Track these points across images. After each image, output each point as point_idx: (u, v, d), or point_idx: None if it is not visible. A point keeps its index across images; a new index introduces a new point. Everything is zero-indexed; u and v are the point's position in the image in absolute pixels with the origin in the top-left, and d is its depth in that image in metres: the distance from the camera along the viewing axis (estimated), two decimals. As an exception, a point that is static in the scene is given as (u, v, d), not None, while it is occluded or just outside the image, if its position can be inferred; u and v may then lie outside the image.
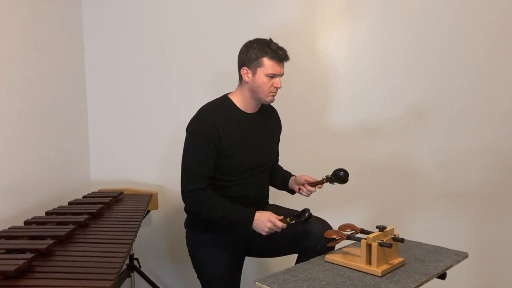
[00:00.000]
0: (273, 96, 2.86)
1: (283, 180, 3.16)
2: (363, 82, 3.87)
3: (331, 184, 2.93)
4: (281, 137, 3.23)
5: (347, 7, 3.86)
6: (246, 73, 2.84)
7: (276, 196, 3.22)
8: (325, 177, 2.93)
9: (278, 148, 3.26)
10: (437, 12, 3.78)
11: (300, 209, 2.74)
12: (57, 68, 3.49)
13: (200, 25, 3.84)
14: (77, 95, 3.81)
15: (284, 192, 3.20)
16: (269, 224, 2.70)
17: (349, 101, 3.89)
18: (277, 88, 2.83)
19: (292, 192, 3.14)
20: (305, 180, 3.01)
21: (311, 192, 3.01)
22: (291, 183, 3.10)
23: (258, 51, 2.79)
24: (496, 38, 3.78)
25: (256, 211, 2.76)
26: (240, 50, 2.88)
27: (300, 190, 3.03)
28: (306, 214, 2.71)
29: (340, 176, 2.93)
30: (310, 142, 3.91)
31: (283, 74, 2.86)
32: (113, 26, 3.89)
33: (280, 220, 2.71)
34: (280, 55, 2.78)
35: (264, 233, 2.71)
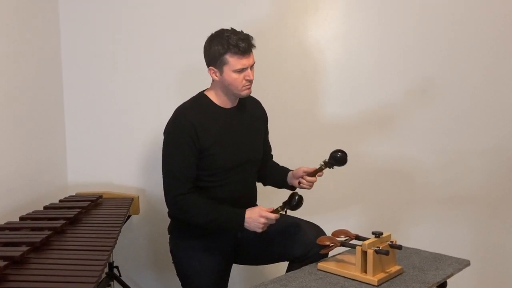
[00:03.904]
0: (248, 89, 2.86)
1: (281, 177, 3.14)
2: (358, 79, 3.88)
3: (331, 168, 2.88)
4: (270, 136, 3.24)
5: (341, -2, 3.89)
6: (214, 72, 2.85)
7: (268, 197, 3.23)
8: (322, 163, 2.87)
9: (268, 141, 3.28)
10: (439, 6, 3.79)
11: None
12: (32, 67, 3.48)
13: (182, 21, 3.86)
14: (53, 93, 3.80)
15: (274, 191, 3.22)
16: (262, 220, 2.71)
17: (344, 99, 3.91)
18: (249, 81, 2.83)
19: (293, 188, 3.08)
20: (304, 172, 2.97)
21: (313, 183, 2.96)
22: (290, 178, 3.08)
23: (220, 47, 2.77)
24: (501, 35, 3.80)
25: (246, 210, 2.77)
26: (204, 47, 2.88)
27: (300, 184, 2.98)
28: (296, 197, 2.74)
29: (338, 158, 2.87)
30: (302, 142, 3.92)
31: (253, 64, 2.85)
32: (91, 26, 3.87)
33: (272, 212, 2.74)
34: (242, 48, 2.74)
35: (259, 231, 2.73)
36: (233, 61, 2.77)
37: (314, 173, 2.94)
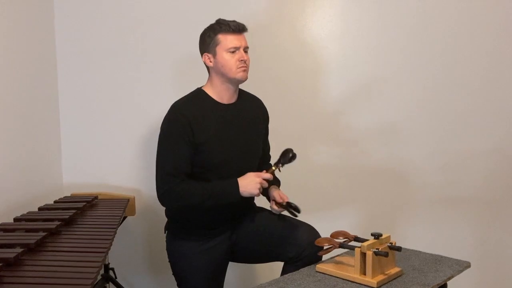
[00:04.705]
0: (244, 71, 2.88)
1: (275, 181, 3.15)
2: (357, 78, 3.89)
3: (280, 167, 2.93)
4: (270, 135, 3.26)
5: (340, -4, 3.88)
6: (208, 58, 2.90)
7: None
8: (273, 167, 2.92)
9: (268, 142, 3.28)
10: (439, 5, 3.80)
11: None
12: (27, 66, 3.48)
13: (178, 19, 3.86)
14: (48, 93, 3.80)
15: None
16: (259, 179, 2.77)
17: (342, 98, 3.91)
18: (244, 61, 2.86)
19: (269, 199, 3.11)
20: (273, 198, 3.00)
21: (277, 212, 2.99)
22: (270, 191, 3.07)
23: (211, 31, 2.87)
24: (501, 35, 3.81)
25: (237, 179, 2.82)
26: (198, 42, 2.96)
27: (271, 206, 3.02)
28: (290, 155, 2.86)
29: (289, 158, 2.91)
30: (299, 142, 3.90)
31: (246, 47, 2.90)
32: (86, 25, 3.86)
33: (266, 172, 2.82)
34: (233, 25, 2.83)
35: (257, 192, 2.78)
36: (225, 40, 2.84)
37: (279, 205, 2.96)
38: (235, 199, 2.81)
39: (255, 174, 2.81)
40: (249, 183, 2.78)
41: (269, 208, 3.00)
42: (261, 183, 2.78)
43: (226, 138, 2.91)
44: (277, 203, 2.96)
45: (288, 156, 2.88)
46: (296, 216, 2.91)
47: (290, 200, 2.95)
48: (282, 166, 2.90)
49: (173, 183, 2.79)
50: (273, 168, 2.88)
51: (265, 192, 3.05)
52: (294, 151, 2.90)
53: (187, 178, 2.84)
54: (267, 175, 2.81)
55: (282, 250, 2.87)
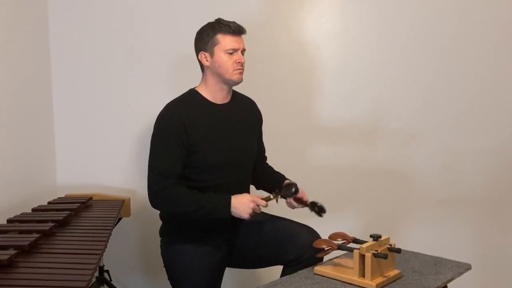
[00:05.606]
0: (240, 73, 2.89)
1: (276, 184, 3.09)
2: (355, 77, 3.89)
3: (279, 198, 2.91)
4: (265, 136, 3.25)
5: (338, -6, 3.88)
6: (205, 57, 2.90)
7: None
8: (271, 196, 2.87)
9: (263, 143, 3.28)
10: (438, 4, 3.80)
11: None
12: (21, 65, 3.47)
13: (172, 18, 3.85)
14: (42, 92, 3.79)
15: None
16: (252, 205, 2.74)
17: (340, 98, 3.91)
18: (241, 64, 2.87)
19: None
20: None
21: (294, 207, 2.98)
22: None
23: (210, 30, 2.87)
24: (502, 34, 3.81)
25: (232, 196, 2.79)
26: (195, 39, 2.95)
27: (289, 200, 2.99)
28: (293, 190, 2.83)
29: (291, 193, 2.91)
30: (296, 142, 3.92)
31: (244, 50, 2.91)
32: (80, 25, 3.86)
33: (263, 199, 2.78)
34: (233, 26, 2.84)
35: (246, 216, 2.75)
36: (224, 41, 2.84)
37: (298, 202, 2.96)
38: (224, 217, 2.79)
39: (251, 198, 2.77)
40: (242, 205, 2.75)
41: (265, 211, 2.99)
42: (253, 209, 2.75)
43: (220, 138, 2.92)
44: (297, 199, 2.93)
45: (290, 191, 2.86)
46: (321, 216, 2.89)
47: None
48: (280, 198, 2.88)
49: (164, 184, 2.80)
50: (271, 196, 2.84)
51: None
52: (298, 186, 2.89)
53: (178, 180, 2.83)
54: (262, 202, 2.77)
55: (282, 253, 2.86)
